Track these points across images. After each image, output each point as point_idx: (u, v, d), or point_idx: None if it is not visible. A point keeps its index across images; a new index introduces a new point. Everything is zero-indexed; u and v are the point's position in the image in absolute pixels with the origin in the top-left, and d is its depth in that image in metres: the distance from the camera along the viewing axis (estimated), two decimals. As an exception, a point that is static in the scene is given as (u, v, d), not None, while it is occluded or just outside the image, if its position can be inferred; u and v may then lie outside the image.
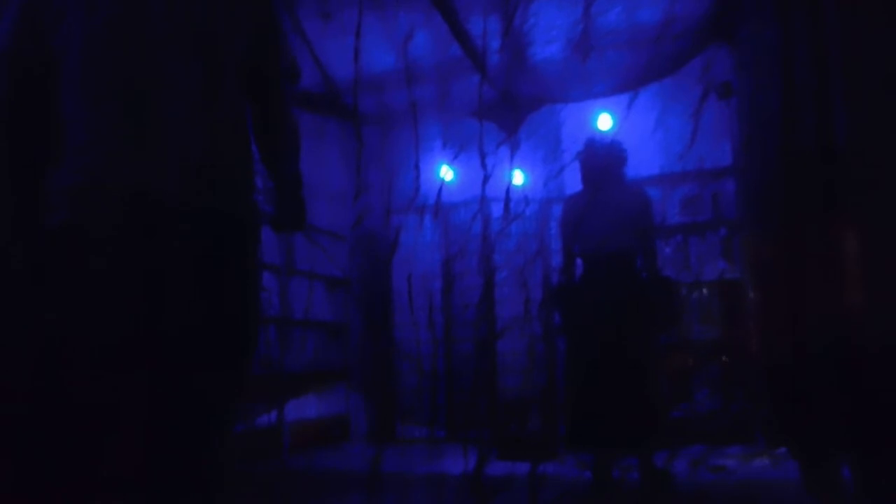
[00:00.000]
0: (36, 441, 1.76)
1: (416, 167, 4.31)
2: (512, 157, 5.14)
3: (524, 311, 5.87)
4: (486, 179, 3.85)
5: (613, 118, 6.05)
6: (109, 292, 1.77)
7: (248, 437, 5.16)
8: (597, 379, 3.96)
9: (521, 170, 6.44)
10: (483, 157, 3.87)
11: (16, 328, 1.85)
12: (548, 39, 5.14)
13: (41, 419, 1.76)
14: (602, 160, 4.21)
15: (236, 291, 1.96)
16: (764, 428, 5.04)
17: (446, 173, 6.34)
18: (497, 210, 6.08)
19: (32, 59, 1.84)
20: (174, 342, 1.83)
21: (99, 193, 1.78)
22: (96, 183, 1.78)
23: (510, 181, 5.29)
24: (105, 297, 1.76)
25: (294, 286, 5.98)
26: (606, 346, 3.92)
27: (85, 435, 1.75)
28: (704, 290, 5.83)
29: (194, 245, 1.85)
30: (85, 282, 1.77)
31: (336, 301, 6.72)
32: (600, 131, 5.98)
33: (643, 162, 5.30)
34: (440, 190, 4.92)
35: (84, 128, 1.80)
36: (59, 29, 1.83)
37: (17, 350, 1.84)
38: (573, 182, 4.53)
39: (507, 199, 4.60)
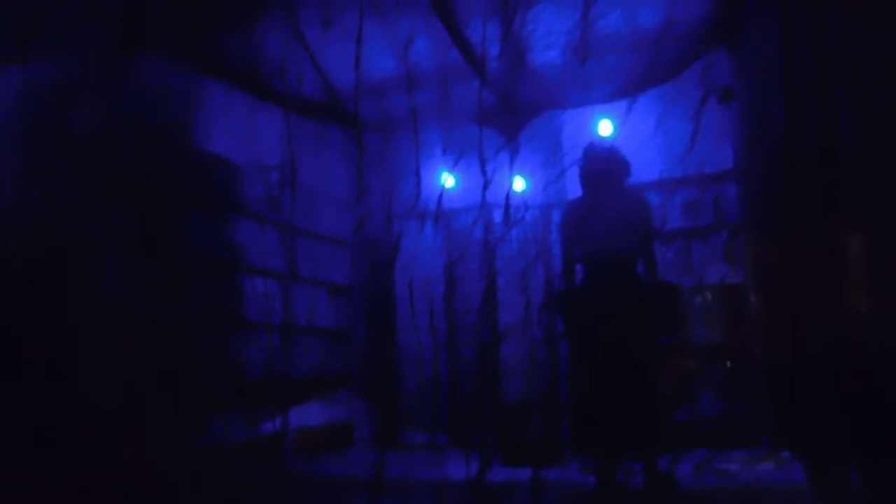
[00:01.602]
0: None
1: (417, 173, 4.32)
2: (512, 162, 5.14)
3: (525, 316, 5.88)
4: (486, 185, 3.86)
5: (613, 122, 6.05)
6: None
7: (252, 443, 5.16)
8: (600, 383, 3.96)
9: (522, 175, 6.44)
10: (483, 162, 3.88)
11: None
12: (547, 44, 5.15)
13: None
14: (601, 165, 4.21)
15: None
16: (769, 431, 5.03)
17: (447, 179, 6.35)
18: (498, 215, 6.07)
19: None
20: None
21: None
22: None
23: (510, 186, 5.29)
24: None
25: (297, 292, 5.99)
26: (608, 350, 3.92)
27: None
28: (707, 294, 5.83)
29: None
30: None
31: (339, 307, 6.72)
32: (600, 136, 5.97)
33: (644, 166, 5.29)
34: (441, 196, 4.92)
35: None
36: None
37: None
38: (573, 187, 4.54)
39: (508, 205, 4.60)
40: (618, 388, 3.86)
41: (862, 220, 2.90)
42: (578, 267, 4.27)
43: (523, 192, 6.44)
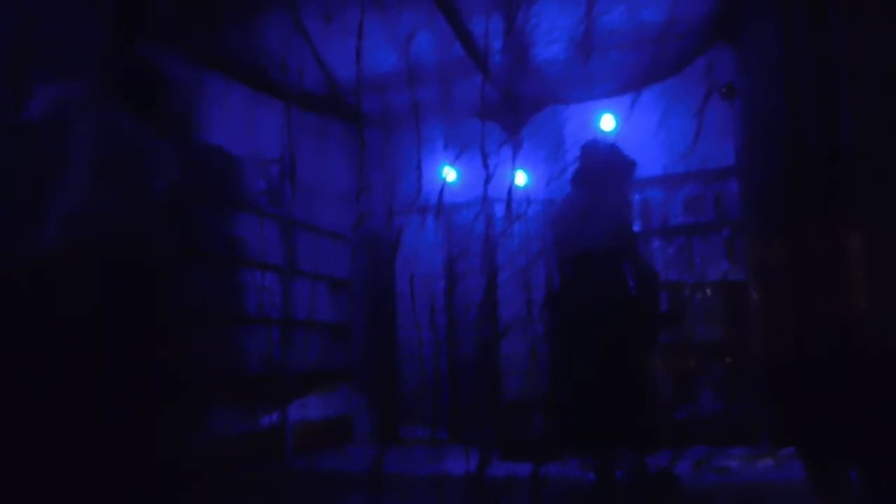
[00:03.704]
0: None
1: (418, 168, 4.30)
2: (514, 157, 5.13)
3: (526, 312, 5.87)
4: (488, 180, 3.85)
5: (616, 118, 6.03)
6: None
7: (251, 438, 5.16)
8: (588, 382, 3.95)
9: (524, 170, 6.43)
10: (485, 157, 3.87)
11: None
12: (550, 40, 5.13)
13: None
14: (590, 164, 4.21)
15: None
16: (769, 429, 5.03)
17: (448, 174, 6.34)
18: (500, 211, 6.07)
19: None
20: None
21: None
22: None
23: (512, 182, 5.28)
24: None
25: (297, 287, 5.98)
26: (591, 349, 3.92)
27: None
28: (708, 292, 5.82)
29: None
30: None
31: (339, 302, 6.72)
32: (601, 132, 5.96)
33: (646, 162, 5.28)
34: (442, 190, 4.91)
35: None
36: None
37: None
38: (574, 183, 4.52)
39: (510, 200, 4.59)
40: (601, 386, 3.86)
41: (862, 220, 2.89)
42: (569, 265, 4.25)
43: (525, 187, 6.43)
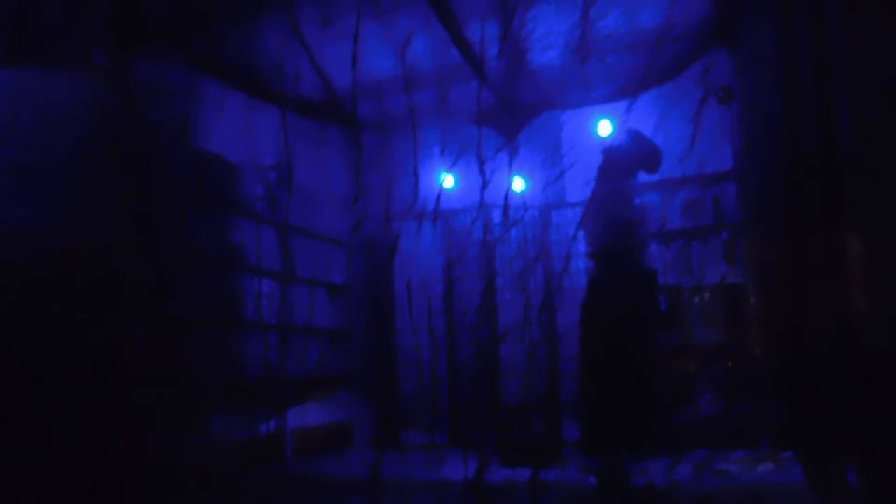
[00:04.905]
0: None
1: (415, 173, 4.31)
2: (511, 162, 5.13)
3: (524, 316, 5.86)
4: (485, 185, 3.85)
5: (613, 123, 6.03)
6: None
7: (251, 443, 5.15)
8: (590, 382, 3.96)
9: (521, 175, 6.43)
10: (482, 162, 3.88)
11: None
12: (546, 45, 5.13)
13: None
14: (612, 157, 4.23)
15: None
16: (769, 431, 5.02)
17: (446, 179, 6.34)
18: (497, 215, 6.08)
19: None
20: None
21: None
22: None
23: (509, 187, 5.28)
24: None
25: (296, 293, 5.97)
26: (597, 347, 3.92)
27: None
28: (707, 295, 5.81)
29: None
30: None
31: (338, 307, 6.71)
32: (597, 137, 5.96)
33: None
34: (439, 195, 4.91)
35: None
36: None
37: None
38: (573, 187, 4.54)
39: (507, 205, 4.59)
40: (603, 389, 3.85)
41: (861, 220, 2.89)
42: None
43: (522, 192, 6.43)
